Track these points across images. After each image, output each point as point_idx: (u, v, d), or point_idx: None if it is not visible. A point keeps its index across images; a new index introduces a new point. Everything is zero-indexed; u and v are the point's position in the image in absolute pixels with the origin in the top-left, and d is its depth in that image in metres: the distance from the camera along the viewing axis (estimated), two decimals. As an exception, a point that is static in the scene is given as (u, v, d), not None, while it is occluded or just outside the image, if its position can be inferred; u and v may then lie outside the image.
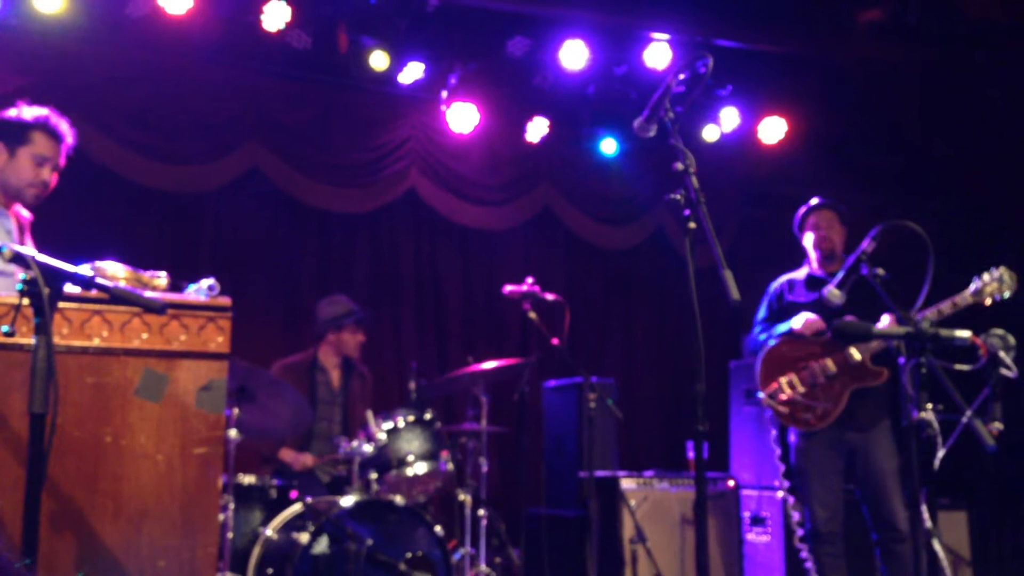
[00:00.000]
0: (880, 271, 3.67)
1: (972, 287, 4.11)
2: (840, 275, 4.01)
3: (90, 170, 5.54)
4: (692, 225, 3.12)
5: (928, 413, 2.75)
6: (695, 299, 3.02)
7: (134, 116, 5.84)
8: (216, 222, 6.37)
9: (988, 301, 4.10)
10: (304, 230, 6.61)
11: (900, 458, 4.52)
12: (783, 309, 4.79)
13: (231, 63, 6.07)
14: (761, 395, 4.64)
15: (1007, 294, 4.09)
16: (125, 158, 5.79)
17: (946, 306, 4.10)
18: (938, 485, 2.95)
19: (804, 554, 5.20)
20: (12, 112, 3.25)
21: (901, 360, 3.04)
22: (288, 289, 6.53)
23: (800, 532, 5.24)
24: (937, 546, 2.94)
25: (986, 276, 4.11)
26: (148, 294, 2.53)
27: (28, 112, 3.24)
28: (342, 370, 5.47)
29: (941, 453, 2.86)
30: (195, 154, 6.05)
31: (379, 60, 6.10)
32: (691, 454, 5.95)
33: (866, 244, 3.80)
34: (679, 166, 3.09)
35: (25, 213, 3.45)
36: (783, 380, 4.58)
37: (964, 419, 2.89)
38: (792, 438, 4.68)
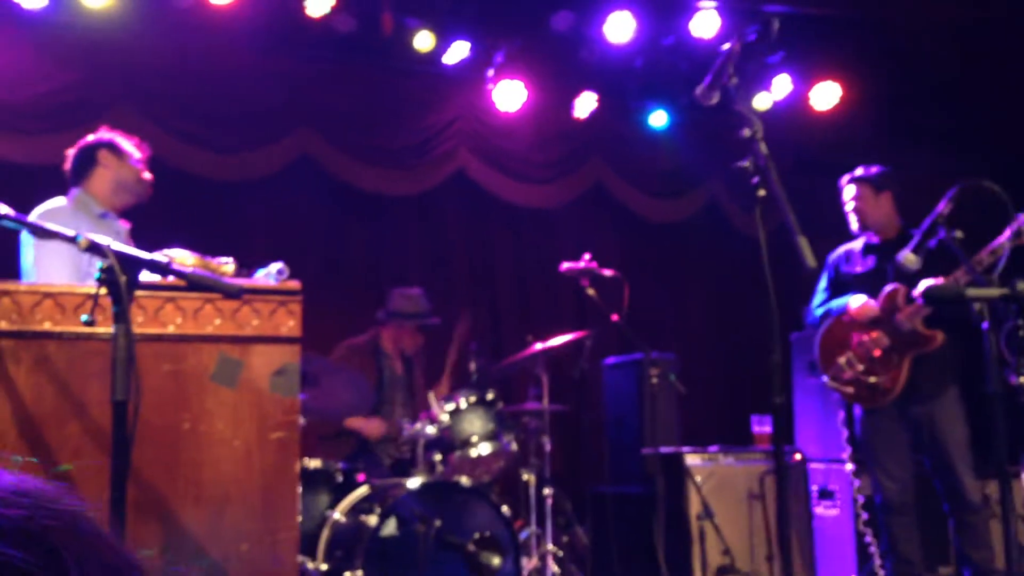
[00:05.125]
0: (959, 233, 3.55)
1: (1008, 231, 3.91)
2: (915, 239, 3.88)
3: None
4: (761, 192, 3.06)
5: (1024, 377, 2.66)
6: (767, 268, 2.97)
7: (183, 106, 5.86)
8: (267, 209, 6.38)
9: None
10: (355, 214, 6.60)
11: (970, 426, 4.39)
12: (840, 282, 4.68)
13: (277, 50, 6.06)
14: (825, 379, 4.54)
15: None
16: (176, 148, 5.81)
17: (985, 255, 3.91)
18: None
19: (868, 538, 5.10)
20: (107, 136, 3.79)
21: (985, 325, 2.93)
22: (341, 274, 6.53)
23: (865, 515, 5.14)
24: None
25: (1021, 216, 3.94)
26: (219, 280, 2.52)
27: (115, 136, 3.80)
28: (402, 359, 5.46)
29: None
30: (245, 142, 6.06)
31: (424, 41, 6.06)
32: (755, 428, 5.86)
33: (942, 206, 3.67)
34: (747, 132, 3.03)
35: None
36: (841, 360, 4.46)
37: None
38: (857, 412, 4.58)
